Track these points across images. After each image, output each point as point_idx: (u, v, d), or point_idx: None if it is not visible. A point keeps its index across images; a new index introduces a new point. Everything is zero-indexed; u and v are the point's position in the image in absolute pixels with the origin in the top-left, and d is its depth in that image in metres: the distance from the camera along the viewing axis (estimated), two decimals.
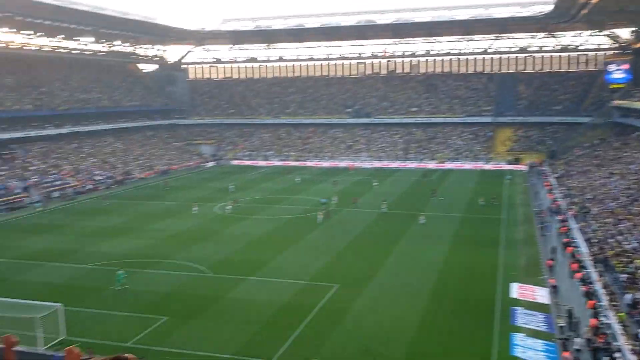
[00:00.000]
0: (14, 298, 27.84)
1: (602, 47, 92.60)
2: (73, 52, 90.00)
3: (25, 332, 23.03)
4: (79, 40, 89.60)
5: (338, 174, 76.27)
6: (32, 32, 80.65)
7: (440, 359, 22.65)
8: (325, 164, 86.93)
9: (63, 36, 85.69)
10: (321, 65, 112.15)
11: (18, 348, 23.51)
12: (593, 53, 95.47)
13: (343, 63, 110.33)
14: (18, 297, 28.30)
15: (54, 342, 24.34)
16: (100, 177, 70.93)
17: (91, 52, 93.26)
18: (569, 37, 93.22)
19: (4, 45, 78.11)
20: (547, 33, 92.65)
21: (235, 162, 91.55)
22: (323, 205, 51.68)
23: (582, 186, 52.51)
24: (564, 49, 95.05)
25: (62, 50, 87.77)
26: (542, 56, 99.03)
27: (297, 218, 49.02)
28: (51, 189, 63.29)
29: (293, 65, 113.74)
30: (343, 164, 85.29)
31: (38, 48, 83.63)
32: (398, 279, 32.28)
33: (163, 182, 63.23)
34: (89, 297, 29.94)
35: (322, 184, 68.84)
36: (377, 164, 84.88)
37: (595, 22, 77.70)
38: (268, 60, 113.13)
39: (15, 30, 78.34)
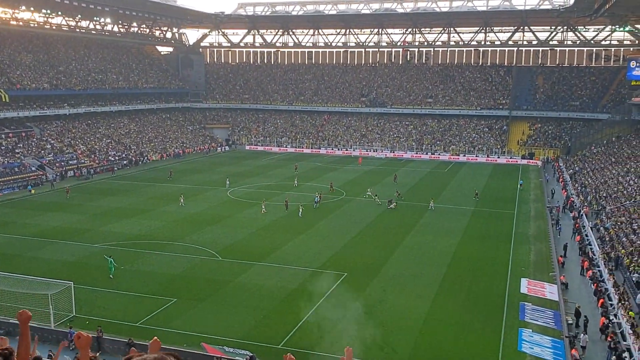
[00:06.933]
0: (27, 274, 28.28)
1: (624, 43, 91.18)
2: (91, 32, 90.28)
3: (37, 308, 23.36)
4: (97, 20, 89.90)
5: (349, 162, 76.20)
6: (51, 11, 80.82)
7: (447, 350, 22.67)
8: (339, 152, 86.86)
9: (81, 16, 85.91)
10: (338, 52, 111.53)
11: (32, 324, 23.96)
12: (614, 49, 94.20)
13: (361, 51, 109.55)
14: (31, 273, 28.73)
15: (64, 319, 24.67)
16: (114, 158, 71.45)
17: (109, 33, 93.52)
18: (590, 32, 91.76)
19: (24, 23, 78.39)
20: (568, 27, 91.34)
21: (249, 148, 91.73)
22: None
23: (597, 183, 51.98)
24: (585, 43, 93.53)
25: (80, 30, 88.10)
26: (562, 50, 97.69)
27: (308, 206, 48.90)
28: (66, 167, 63.87)
29: (309, 52, 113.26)
30: (356, 152, 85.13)
31: (57, 27, 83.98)
32: (407, 269, 32.26)
33: (169, 173, 64.13)
34: (100, 277, 30.23)
35: (334, 172, 68.76)
36: (390, 154, 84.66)
37: (618, 17, 76.31)
38: (285, 46, 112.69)
39: (34, 9, 78.55)
